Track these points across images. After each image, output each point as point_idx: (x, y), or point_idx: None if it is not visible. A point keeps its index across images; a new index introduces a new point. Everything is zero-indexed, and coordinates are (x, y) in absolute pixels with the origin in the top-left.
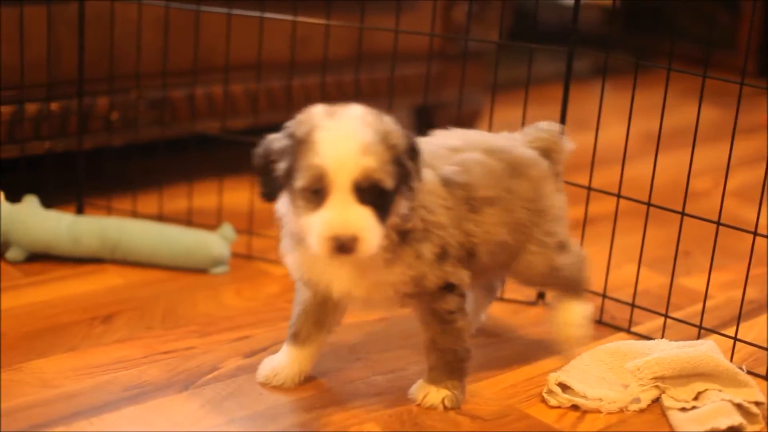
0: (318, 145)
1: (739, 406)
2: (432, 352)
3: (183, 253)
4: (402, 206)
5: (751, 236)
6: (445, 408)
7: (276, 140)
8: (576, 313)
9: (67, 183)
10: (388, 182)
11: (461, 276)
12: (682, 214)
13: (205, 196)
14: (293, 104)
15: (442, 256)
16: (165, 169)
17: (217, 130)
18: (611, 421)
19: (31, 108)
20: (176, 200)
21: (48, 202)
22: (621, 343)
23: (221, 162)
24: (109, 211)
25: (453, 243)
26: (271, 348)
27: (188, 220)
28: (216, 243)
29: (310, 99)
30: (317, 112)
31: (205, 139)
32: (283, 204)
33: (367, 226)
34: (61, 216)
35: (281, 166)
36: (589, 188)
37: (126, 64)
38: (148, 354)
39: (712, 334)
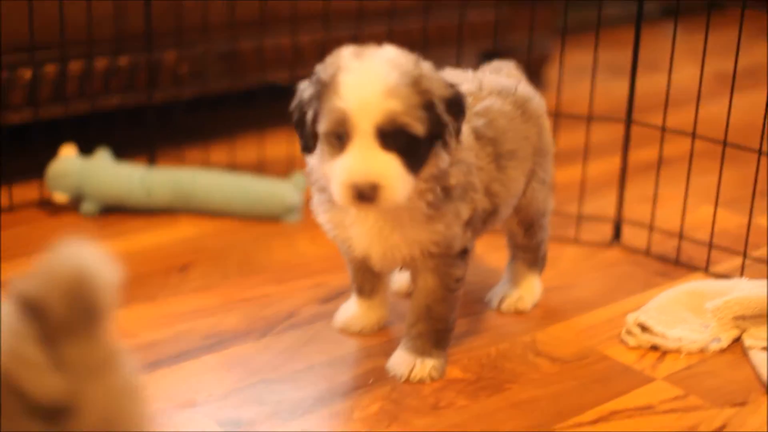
0: (341, 87)
1: None
2: (423, 320)
3: (256, 202)
4: (442, 159)
5: None
6: (432, 380)
7: (306, 88)
8: (535, 289)
9: (139, 136)
10: (417, 128)
11: (473, 242)
12: (759, 152)
13: (275, 146)
14: None
15: (470, 220)
16: (235, 120)
17: (285, 79)
18: (692, 361)
19: (100, 63)
20: (247, 150)
21: (120, 156)
22: (700, 283)
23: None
24: (181, 162)
25: (479, 208)
26: (346, 293)
27: (260, 169)
28: (288, 191)
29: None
30: (345, 53)
31: (274, 90)
32: (313, 156)
33: (389, 174)
34: (133, 169)
35: (310, 113)
36: (663, 129)
37: (193, 17)
38: (225, 302)
39: None
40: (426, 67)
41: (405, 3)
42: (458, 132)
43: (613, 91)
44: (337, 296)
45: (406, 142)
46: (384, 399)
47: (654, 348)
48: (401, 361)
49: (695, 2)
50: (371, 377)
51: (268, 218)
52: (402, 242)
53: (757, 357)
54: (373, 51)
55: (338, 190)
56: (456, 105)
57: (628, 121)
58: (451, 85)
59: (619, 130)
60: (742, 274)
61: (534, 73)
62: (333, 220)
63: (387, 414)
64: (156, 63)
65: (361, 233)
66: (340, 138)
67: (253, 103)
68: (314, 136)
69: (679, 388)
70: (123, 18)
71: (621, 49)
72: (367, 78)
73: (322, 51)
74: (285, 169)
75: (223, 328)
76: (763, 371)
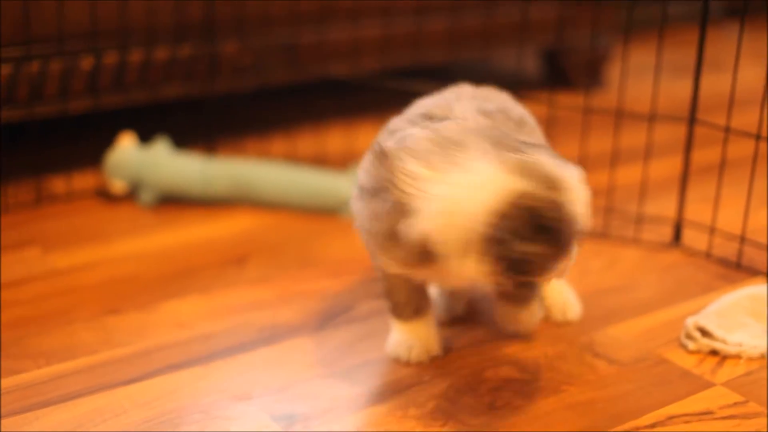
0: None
1: None
2: None
3: (313, 195)
4: None
5: None
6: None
7: (516, 231)
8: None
9: (198, 127)
10: None
11: None
12: None
13: (334, 139)
14: (420, 48)
15: None
16: (294, 113)
17: (346, 73)
18: (752, 367)
19: (161, 52)
20: (306, 143)
21: (179, 146)
22: (761, 287)
23: (350, 105)
24: (240, 153)
25: None
26: None
27: (318, 162)
28: (345, 185)
29: (436, 43)
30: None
31: (334, 83)
32: None
33: None
34: (192, 159)
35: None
36: (727, 129)
37: (255, 9)
38: (281, 295)
39: None
40: None
41: None
42: None
43: (675, 90)
44: None
45: None
46: (439, 397)
47: (713, 353)
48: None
49: (759, 2)
50: (427, 374)
51: (324, 212)
52: None
53: None
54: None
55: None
56: None
57: (691, 120)
58: None
59: (681, 130)
60: None
61: (595, 71)
62: None
63: (443, 412)
64: (217, 54)
65: None
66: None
67: (313, 96)
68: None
69: (738, 394)
70: (184, 7)
71: (683, 48)
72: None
73: (382, 45)
74: (342, 162)
75: (278, 321)
76: None
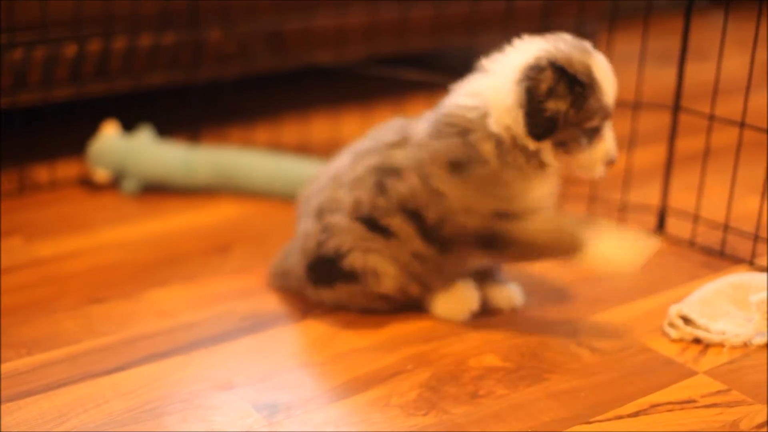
0: (601, 86)
1: None
2: None
3: (297, 183)
4: None
5: None
6: None
7: (540, 80)
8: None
9: (182, 115)
10: None
11: None
12: None
13: (319, 127)
14: (406, 35)
15: None
16: (279, 101)
17: (330, 61)
18: (735, 355)
19: (145, 40)
20: (290, 131)
21: (163, 134)
22: (744, 276)
23: (335, 92)
24: (225, 142)
25: None
26: None
27: (302, 150)
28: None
29: (422, 31)
30: (572, 47)
31: (319, 71)
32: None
33: None
34: (176, 148)
35: (558, 106)
36: (711, 117)
37: None
38: (265, 284)
39: None
40: None
41: None
42: None
43: (660, 79)
44: None
45: None
46: (423, 386)
47: (696, 341)
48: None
49: None
50: (410, 363)
51: None
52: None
53: None
54: (584, 43)
55: (597, 167)
56: None
57: (676, 108)
58: None
59: (665, 118)
60: None
61: None
62: (524, 189)
63: (425, 401)
64: (201, 41)
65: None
66: (597, 129)
67: (298, 84)
68: (556, 127)
69: (721, 382)
70: None
71: (668, 37)
72: (610, 74)
73: (368, 33)
74: (327, 150)
75: (262, 310)
76: None
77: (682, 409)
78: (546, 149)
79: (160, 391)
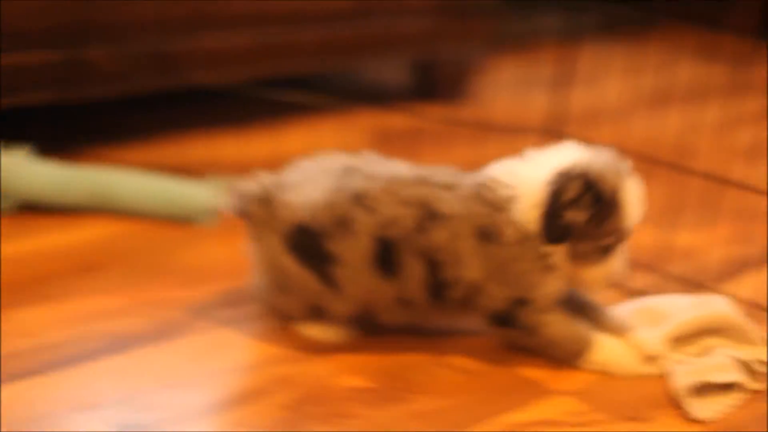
0: (627, 209)
1: (744, 364)
2: None
3: (172, 203)
4: None
5: (748, 194)
6: None
7: (564, 189)
8: None
9: (59, 134)
10: None
11: None
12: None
13: (195, 147)
14: (292, 57)
15: None
16: (158, 120)
17: (211, 81)
18: (596, 376)
19: (22, 57)
20: (166, 151)
21: (39, 153)
22: (645, 303)
23: (214, 113)
24: (101, 161)
25: None
26: (255, 299)
27: (177, 170)
28: (204, 193)
29: (308, 53)
30: (609, 165)
31: (197, 92)
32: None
33: None
34: (52, 166)
35: (578, 217)
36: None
37: (122, 14)
38: (131, 305)
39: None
40: None
41: (339, 5)
42: None
43: (542, 104)
44: (245, 301)
45: None
46: (285, 407)
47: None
48: None
49: (630, 17)
50: (274, 384)
51: (183, 220)
52: None
53: (674, 368)
54: (621, 164)
55: (601, 284)
56: None
57: (555, 133)
58: None
59: (546, 143)
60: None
61: (463, 83)
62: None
63: (288, 423)
64: (82, 59)
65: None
66: (611, 247)
67: (176, 104)
68: (570, 235)
69: (583, 402)
70: (52, 12)
71: (553, 62)
72: (637, 199)
73: (253, 55)
74: (204, 170)
75: (127, 330)
76: (673, 381)
77: (542, 428)
78: (558, 254)
79: (18, 414)
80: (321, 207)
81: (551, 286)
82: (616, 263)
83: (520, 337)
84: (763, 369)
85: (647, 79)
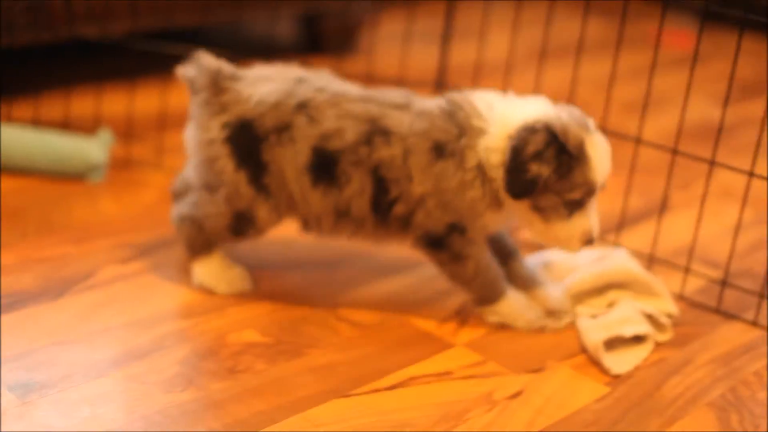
0: (592, 162)
1: (649, 316)
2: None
3: (59, 159)
4: None
5: (627, 146)
6: None
7: (529, 142)
8: None
9: None
10: None
11: None
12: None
13: (83, 102)
14: (172, 10)
15: None
16: (41, 75)
17: (95, 35)
18: (492, 327)
19: None
20: (53, 106)
21: None
22: (549, 258)
23: (99, 67)
24: None
25: None
26: (148, 254)
27: (65, 126)
28: (93, 149)
29: (188, 6)
30: (573, 119)
31: (82, 45)
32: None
33: None
34: None
35: (542, 170)
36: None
37: None
38: (21, 262)
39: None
40: None
41: None
42: None
43: (427, 58)
44: (138, 256)
45: None
46: (181, 362)
47: (456, 314)
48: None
49: None
50: (169, 340)
51: (71, 176)
52: None
53: (583, 323)
54: (585, 119)
55: (572, 243)
56: None
57: (439, 86)
58: None
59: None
60: None
61: (349, 37)
62: (499, 219)
63: (183, 377)
64: None
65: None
66: (579, 202)
67: (60, 57)
68: (535, 190)
69: (478, 354)
70: None
71: (435, 17)
72: (605, 153)
73: (133, 7)
74: (91, 126)
75: (18, 288)
76: (584, 336)
77: (439, 381)
78: (521, 207)
79: None
80: (267, 107)
81: (490, 222)
82: (588, 220)
83: (446, 261)
84: (667, 321)
85: (527, 33)
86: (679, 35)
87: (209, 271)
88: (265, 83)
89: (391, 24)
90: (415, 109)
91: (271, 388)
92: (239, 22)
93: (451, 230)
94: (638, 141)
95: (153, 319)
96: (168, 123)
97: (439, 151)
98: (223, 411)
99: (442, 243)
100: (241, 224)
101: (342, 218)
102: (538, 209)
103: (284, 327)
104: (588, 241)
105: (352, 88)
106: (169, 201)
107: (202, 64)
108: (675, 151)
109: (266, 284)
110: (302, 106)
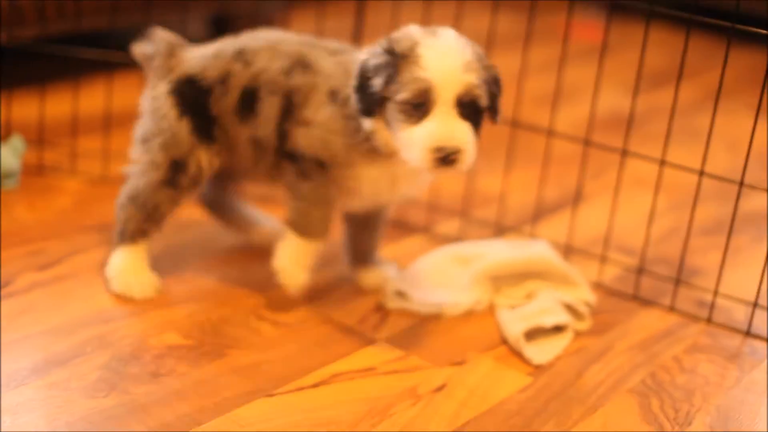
0: (423, 60)
1: (568, 306)
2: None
3: None
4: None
5: (538, 139)
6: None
7: (371, 57)
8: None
9: None
10: (484, 100)
11: None
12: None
13: None
14: (81, 14)
15: None
16: None
17: (2, 39)
18: (413, 322)
19: None
20: None
21: None
22: (459, 248)
23: (8, 73)
24: None
25: None
26: (66, 260)
27: None
28: (5, 155)
29: (101, 8)
30: (415, 30)
31: None
32: (370, 121)
33: (469, 140)
34: None
35: (378, 81)
36: None
37: None
38: None
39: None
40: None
41: None
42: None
43: None
44: (55, 263)
45: (476, 113)
46: (103, 368)
47: (378, 309)
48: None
49: None
50: (89, 345)
51: None
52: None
53: (503, 315)
54: (442, 29)
55: (420, 155)
56: (499, 83)
57: None
58: (493, 65)
59: None
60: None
61: None
62: (373, 175)
63: (106, 383)
64: None
65: (391, 185)
66: (419, 107)
67: None
68: (379, 102)
69: (400, 349)
70: None
71: (346, 16)
72: (448, 52)
73: (41, 11)
74: (2, 133)
75: None
76: (505, 328)
77: (363, 377)
78: (380, 132)
79: None
80: (208, 59)
81: (366, 177)
82: (436, 128)
83: (295, 174)
84: (585, 310)
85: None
86: (588, 27)
87: (125, 267)
88: (209, 47)
89: (302, 23)
90: (341, 58)
91: (195, 390)
92: (150, 25)
93: (318, 165)
94: (550, 133)
95: (72, 326)
96: (80, 128)
97: (333, 95)
98: (147, 415)
99: (304, 168)
100: (176, 174)
101: (256, 149)
102: (387, 124)
103: (205, 329)
104: (441, 153)
105: (294, 36)
106: (84, 206)
107: (157, 37)
108: (587, 142)
109: (185, 286)
110: (240, 54)
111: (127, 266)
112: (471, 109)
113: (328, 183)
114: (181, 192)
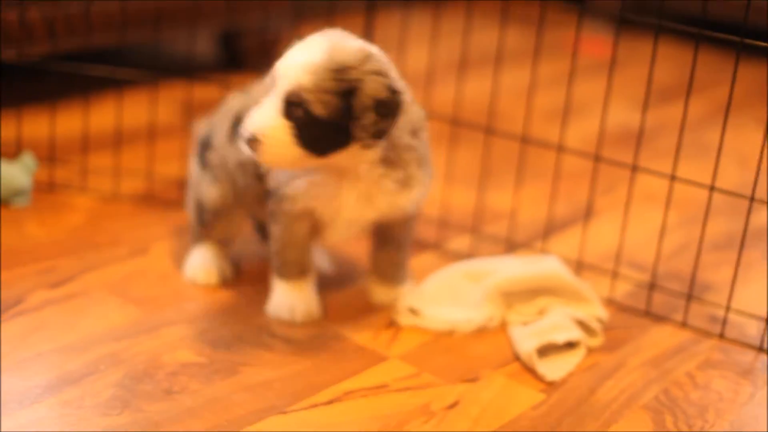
0: (283, 55)
1: (580, 322)
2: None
3: None
4: (369, 152)
5: (548, 154)
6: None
7: None
8: None
9: None
10: (318, 109)
11: None
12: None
13: (3, 127)
14: (92, 30)
15: None
16: None
17: (13, 57)
18: (426, 339)
19: None
20: None
21: None
22: (470, 264)
23: (19, 91)
24: None
25: None
26: (77, 277)
27: None
28: (17, 173)
29: (106, 26)
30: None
31: (1, 68)
32: None
33: (269, 134)
34: None
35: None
36: None
37: None
38: None
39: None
40: (372, 62)
41: None
42: (381, 132)
43: None
44: (66, 280)
45: (306, 118)
46: (116, 385)
47: (390, 326)
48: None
49: None
50: (102, 363)
51: None
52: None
53: (516, 331)
54: (327, 34)
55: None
56: (385, 107)
57: None
58: (393, 90)
59: None
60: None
61: (267, 53)
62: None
63: (119, 400)
64: None
65: (349, 201)
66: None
67: None
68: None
69: (412, 366)
70: None
71: (355, 30)
72: (298, 52)
73: (51, 28)
74: (13, 151)
75: None
76: (517, 344)
77: (375, 394)
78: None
79: None
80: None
81: (305, 195)
82: (253, 111)
83: (269, 213)
84: (597, 326)
85: (446, 45)
86: (596, 42)
87: (195, 260)
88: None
89: None
90: None
91: (208, 408)
92: (159, 42)
93: (272, 193)
94: (560, 148)
95: (85, 343)
96: (91, 145)
97: None
98: None
99: (272, 200)
100: (201, 212)
101: (245, 172)
102: None
103: (218, 346)
104: (245, 135)
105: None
106: (95, 223)
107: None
108: (597, 158)
109: (197, 303)
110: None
111: (197, 260)
112: (300, 114)
113: (286, 214)
114: (208, 228)
